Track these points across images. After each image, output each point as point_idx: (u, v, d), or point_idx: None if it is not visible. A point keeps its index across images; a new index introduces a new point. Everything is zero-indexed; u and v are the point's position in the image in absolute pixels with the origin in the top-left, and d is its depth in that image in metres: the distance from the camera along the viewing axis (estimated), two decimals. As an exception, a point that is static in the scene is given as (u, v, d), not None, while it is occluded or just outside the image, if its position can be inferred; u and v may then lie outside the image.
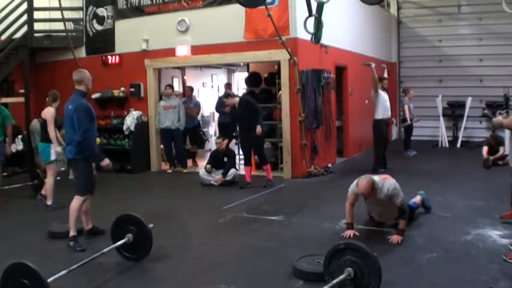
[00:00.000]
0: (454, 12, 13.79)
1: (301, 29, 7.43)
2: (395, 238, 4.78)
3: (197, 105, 10.49)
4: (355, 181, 4.95)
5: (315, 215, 6.05)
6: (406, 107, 11.26)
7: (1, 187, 7.56)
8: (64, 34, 10.10)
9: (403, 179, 8.13)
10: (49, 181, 6.74)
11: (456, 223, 5.48)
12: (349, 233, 4.92)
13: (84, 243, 5.00)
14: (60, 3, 9.61)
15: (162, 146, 9.96)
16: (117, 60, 10.15)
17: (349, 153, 10.89)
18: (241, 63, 11.63)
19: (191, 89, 10.72)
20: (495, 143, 9.33)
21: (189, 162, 10.12)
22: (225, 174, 8.10)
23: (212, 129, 13.62)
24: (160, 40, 9.56)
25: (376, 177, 4.91)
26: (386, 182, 4.86)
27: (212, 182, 8.13)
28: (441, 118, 13.13)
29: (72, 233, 4.98)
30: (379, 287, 3.41)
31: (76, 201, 5.04)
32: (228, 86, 10.57)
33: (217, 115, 11.23)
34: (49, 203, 6.70)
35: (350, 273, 3.47)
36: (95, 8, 10.31)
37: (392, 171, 8.42)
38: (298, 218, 5.99)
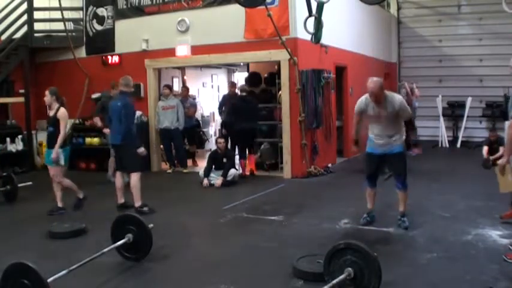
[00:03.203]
0: (454, 12, 13.81)
1: (301, 29, 7.44)
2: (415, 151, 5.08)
3: (193, 105, 10.49)
4: (360, 99, 5.17)
5: (315, 215, 6.05)
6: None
7: None
8: (64, 34, 10.11)
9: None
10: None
11: (456, 223, 5.48)
12: (355, 149, 5.40)
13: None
14: (60, 3, 9.61)
15: (162, 146, 9.96)
16: (117, 60, 10.15)
17: (349, 153, 10.87)
18: (241, 63, 11.63)
19: (187, 89, 10.72)
20: (495, 143, 9.32)
21: (189, 162, 10.12)
22: (225, 175, 8.10)
23: (212, 129, 13.61)
24: (160, 40, 9.57)
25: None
26: (395, 95, 5.08)
27: (212, 182, 8.13)
28: (441, 118, 13.14)
29: (141, 202, 6.26)
30: (379, 287, 3.42)
31: (135, 177, 6.29)
32: (232, 85, 10.54)
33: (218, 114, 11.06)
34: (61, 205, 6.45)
35: (350, 273, 3.46)
36: (95, 8, 10.31)
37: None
38: (298, 218, 5.99)
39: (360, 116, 5.26)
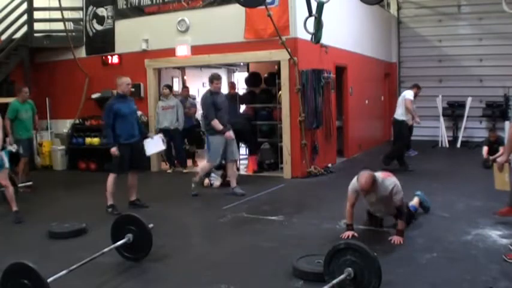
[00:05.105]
0: (454, 12, 13.81)
1: (301, 29, 7.45)
2: (396, 239, 4.77)
3: (193, 105, 10.49)
4: (355, 178, 4.87)
5: (315, 215, 6.05)
6: None
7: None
8: (64, 34, 10.12)
9: (404, 179, 8.16)
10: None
11: (456, 223, 5.48)
12: (348, 233, 4.89)
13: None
14: (60, 3, 9.63)
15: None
16: (117, 60, 10.15)
17: (349, 153, 10.90)
18: (241, 63, 11.64)
19: (187, 89, 10.72)
20: (495, 143, 9.33)
21: (189, 162, 10.12)
22: (224, 177, 8.08)
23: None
24: (160, 40, 9.56)
25: (377, 174, 4.81)
26: (386, 180, 4.79)
27: (213, 181, 8.13)
28: (441, 118, 13.15)
29: (109, 202, 6.38)
30: (379, 287, 3.42)
31: (109, 177, 6.40)
32: (232, 85, 10.54)
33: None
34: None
35: (350, 273, 3.46)
36: (95, 8, 10.32)
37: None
38: (298, 218, 5.99)
39: (355, 194, 4.88)
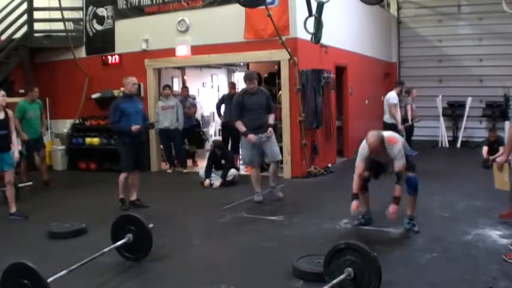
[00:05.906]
0: (454, 12, 13.82)
1: (301, 29, 7.45)
2: (392, 208, 4.82)
3: (193, 105, 10.48)
4: (362, 144, 4.94)
5: (315, 215, 6.05)
6: (409, 107, 11.23)
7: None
8: (64, 34, 10.11)
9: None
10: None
11: (456, 223, 5.48)
12: (356, 204, 4.97)
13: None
14: (60, 3, 9.62)
15: (161, 146, 9.96)
16: (117, 60, 10.15)
17: (349, 153, 10.87)
18: (241, 63, 11.64)
19: (187, 89, 10.72)
20: (495, 143, 9.33)
21: (189, 162, 10.12)
22: (224, 177, 8.09)
23: (212, 129, 13.61)
24: (160, 40, 9.56)
25: (384, 134, 4.85)
26: (395, 146, 4.83)
27: (212, 182, 8.13)
28: (441, 118, 13.15)
29: (120, 196, 6.54)
30: (379, 287, 3.42)
31: (120, 175, 6.55)
32: (232, 85, 10.52)
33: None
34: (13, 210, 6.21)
35: (350, 273, 3.46)
36: (95, 8, 10.31)
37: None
38: (298, 218, 5.98)
39: (364, 162, 4.95)
